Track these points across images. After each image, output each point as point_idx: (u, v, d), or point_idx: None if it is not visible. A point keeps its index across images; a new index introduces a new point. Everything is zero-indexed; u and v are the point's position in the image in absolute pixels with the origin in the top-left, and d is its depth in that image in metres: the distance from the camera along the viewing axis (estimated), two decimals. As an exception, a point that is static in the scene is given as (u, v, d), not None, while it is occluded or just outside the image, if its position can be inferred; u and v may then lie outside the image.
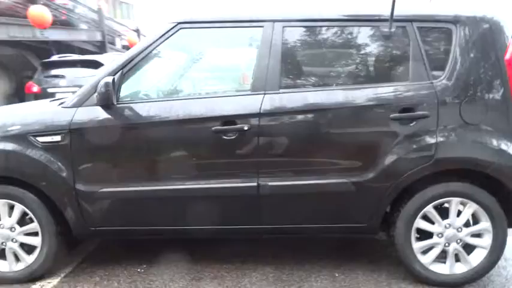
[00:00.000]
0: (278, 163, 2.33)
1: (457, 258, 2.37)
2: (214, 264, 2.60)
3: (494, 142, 2.28)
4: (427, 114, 2.26)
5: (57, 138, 2.33)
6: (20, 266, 2.46)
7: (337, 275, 2.51)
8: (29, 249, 2.45)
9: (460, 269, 2.37)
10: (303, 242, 2.74)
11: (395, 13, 2.31)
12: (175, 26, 2.42)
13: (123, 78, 2.37)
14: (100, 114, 2.32)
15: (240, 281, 2.44)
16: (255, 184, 2.31)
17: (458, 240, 2.34)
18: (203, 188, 2.34)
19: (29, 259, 2.44)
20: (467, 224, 2.35)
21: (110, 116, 2.31)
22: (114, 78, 2.26)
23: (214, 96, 2.43)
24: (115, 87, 2.27)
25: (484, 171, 2.27)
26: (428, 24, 2.37)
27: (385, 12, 2.30)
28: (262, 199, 2.34)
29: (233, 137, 2.28)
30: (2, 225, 2.42)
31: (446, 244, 2.35)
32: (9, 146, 2.35)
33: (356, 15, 2.40)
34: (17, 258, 2.46)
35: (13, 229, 2.42)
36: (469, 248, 2.37)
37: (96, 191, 2.35)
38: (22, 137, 2.35)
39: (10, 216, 2.42)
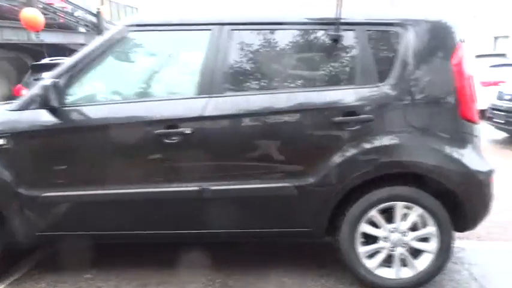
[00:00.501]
0: (220, 167, 2.32)
1: (404, 263, 2.34)
2: (161, 270, 2.59)
3: (440, 147, 2.25)
4: (371, 117, 2.24)
5: (1, 141, 2.34)
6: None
7: (285, 279, 2.49)
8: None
9: (406, 273, 2.34)
10: (254, 246, 2.72)
11: (344, 17, 2.30)
12: (124, 29, 2.42)
13: (70, 81, 2.37)
14: (44, 117, 2.32)
15: (186, 286, 2.42)
16: (197, 188, 2.30)
17: (404, 245, 2.31)
18: (146, 192, 2.33)
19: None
20: (414, 229, 2.32)
21: (53, 119, 2.31)
22: (55, 82, 2.27)
23: (159, 99, 2.42)
24: (58, 90, 2.28)
25: (429, 176, 2.24)
26: (377, 27, 2.35)
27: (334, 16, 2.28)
28: (205, 203, 2.32)
29: (176, 141, 2.27)
30: None
31: (392, 249, 2.32)
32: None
33: (304, 19, 2.38)
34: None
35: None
36: (417, 253, 2.34)
37: (39, 196, 2.35)
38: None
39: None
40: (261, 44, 2.39)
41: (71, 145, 2.36)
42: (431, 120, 2.27)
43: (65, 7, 13.05)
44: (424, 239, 2.33)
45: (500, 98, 7.09)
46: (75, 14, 14.27)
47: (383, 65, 2.31)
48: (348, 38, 2.32)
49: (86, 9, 14.78)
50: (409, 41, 2.30)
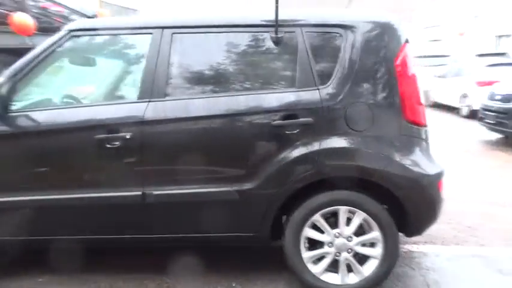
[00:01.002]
0: (162, 171, 2.30)
1: (350, 268, 2.31)
2: (111, 275, 2.57)
3: (381, 150, 2.21)
4: (310, 121, 2.21)
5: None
6: None
7: (234, 284, 2.47)
8: None
9: (352, 279, 2.30)
10: (207, 250, 2.69)
11: (285, 18, 2.27)
12: (67, 33, 2.41)
13: (14, 87, 2.36)
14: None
15: (119, 280, 2.44)
16: (140, 193, 2.28)
17: (349, 250, 2.28)
18: (89, 197, 2.31)
19: None
20: (360, 234, 2.28)
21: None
22: (-3, 88, 2.27)
23: (100, 104, 2.41)
24: (1, 97, 2.27)
25: (369, 179, 2.21)
26: (318, 29, 2.31)
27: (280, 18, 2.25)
28: (149, 208, 2.31)
29: (117, 145, 2.26)
30: None
31: (337, 254, 2.28)
32: None
33: (244, 22, 2.36)
34: None
35: None
36: (364, 258, 2.31)
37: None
38: None
39: None
40: (201, 48, 2.37)
41: (15, 151, 2.35)
42: (373, 123, 2.22)
43: (60, 11, 13.10)
44: (371, 244, 2.29)
45: (491, 98, 6.99)
46: (72, 17, 14.34)
47: (324, 67, 2.28)
48: (288, 40, 2.29)
49: (82, 13, 14.82)
50: (351, 43, 2.26)
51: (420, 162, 2.26)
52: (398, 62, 2.26)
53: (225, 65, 2.37)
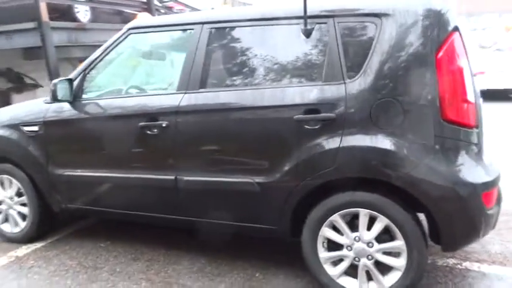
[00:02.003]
0: (192, 159, 2.45)
1: (371, 276, 2.15)
2: (155, 248, 2.85)
3: (409, 150, 1.99)
4: (332, 116, 2.10)
5: (36, 128, 2.87)
6: (15, 229, 3.09)
7: (257, 275, 2.51)
8: (23, 217, 3.06)
9: (371, 288, 2.15)
10: (240, 238, 2.75)
11: (317, 9, 2.21)
12: (127, 31, 2.72)
13: (84, 79, 2.77)
14: (64, 109, 2.77)
15: (168, 264, 2.65)
16: (173, 177, 2.48)
17: (370, 256, 2.13)
18: (134, 177, 2.60)
19: (22, 224, 3.06)
20: (382, 240, 2.11)
21: (69, 111, 2.75)
22: (71, 79, 2.69)
23: (146, 94, 2.66)
24: (71, 87, 2.70)
25: (394, 184, 2.01)
26: (351, 19, 2.18)
27: (309, 9, 2.18)
28: (179, 192, 2.49)
29: (156, 133, 2.48)
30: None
31: (356, 259, 2.15)
32: (6, 133, 2.98)
33: (275, 14, 2.34)
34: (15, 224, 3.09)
35: (12, 199, 3.07)
36: (387, 268, 2.13)
37: (62, 174, 2.83)
38: (15, 126, 2.96)
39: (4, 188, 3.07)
40: (233, 41, 2.43)
41: (80, 134, 2.76)
42: (404, 122, 2.01)
43: (183, 9, 14.38)
44: (396, 254, 2.10)
45: None
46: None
47: (355, 60, 2.14)
48: (319, 32, 2.20)
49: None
50: (385, 33, 2.07)
51: (458, 169, 1.98)
52: (440, 54, 2.00)
53: (254, 58, 2.40)
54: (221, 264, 2.63)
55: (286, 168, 2.20)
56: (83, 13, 8.92)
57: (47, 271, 2.63)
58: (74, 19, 8.66)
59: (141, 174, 2.58)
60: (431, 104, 1.99)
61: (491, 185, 2.02)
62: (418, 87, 2.01)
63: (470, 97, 2.02)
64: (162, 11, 12.00)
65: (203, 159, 2.43)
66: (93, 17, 8.96)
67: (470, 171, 1.99)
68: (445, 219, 1.99)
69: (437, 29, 2.02)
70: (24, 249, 2.96)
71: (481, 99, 2.19)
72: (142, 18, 2.74)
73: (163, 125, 2.44)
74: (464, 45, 2.07)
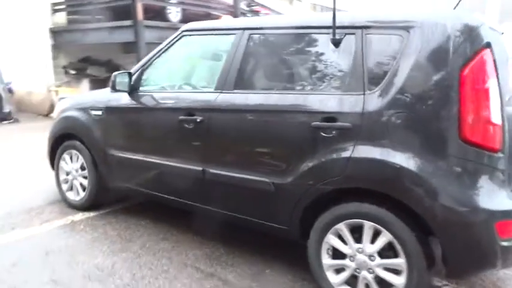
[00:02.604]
0: (219, 154, 2.64)
1: (371, 290, 2.14)
2: (184, 232, 3.10)
3: (419, 167, 1.95)
4: (348, 126, 2.14)
5: (99, 112, 3.30)
6: (76, 198, 3.57)
7: (267, 271, 2.61)
8: (83, 188, 3.52)
9: (369, 302, 2.13)
10: (270, 239, 2.85)
11: (347, 20, 2.26)
12: (181, 33, 3.01)
13: (142, 73, 3.12)
14: (122, 98, 3.15)
15: (191, 248, 2.87)
16: (201, 169, 2.69)
17: (370, 270, 2.12)
18: (168, 165, 2.86)
19: (82, 194, 3.52)
20: (385, 256, 2.09)
21: (125, 100, 3.11)
22: (130, 72, 3.06)
23: (189, 91, 2.91)
24: (130, 79, 3.05)
25: (401, 200, 1.99)
26: (378, 31, 2.19)
27: (339, 20, 2.24)
28: (206, 183, 2.69)
29: (191, 127, 2.72)
30: None
31: (357, 270, 2.16)
32: (77, 114, 3.45)
33: (307, 24, 2.43)
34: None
35: (77, 171, 3.55)
36: (388, 285, 2.10)
37: (114, 155, 3.21)
38: (85, 110, 3.42)
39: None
40: (267, 47, 2.57)
41: (130, 121, 3.11)
42: (418, 137, 1.98)
43: (268, 13, 14.77)
44: (397, 271, 2.07)
45: None
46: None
47: (377, 72, 2.14)
48: (347, 42, 2.24)
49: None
50: (410, 46, 2.05)
51: (471, 193, 1.89)
52: (466, 71, 1.93)
53: (284, 64, 2.52)
54: (237, 256, 2.78)
55: (300, 172, 2.28)
56: (174, 14, 9.71)
57: (91, 236, 3.02)
58: (166, 19, 9.48)
59: (176, 163, 2.83)
60: (450, 122, 1.93)
61: (509, 214, 1.89)
62: (438, 104, 1.96)
63: (495, 119, 1.92)
64: (249, 14, 12.51)
65: (228, 155, 2.61)
66: (183, 18, 9.68)
67: (485, 198, 1.89)
68: (450, 244, 1.92)
69: (465, 45, 1.96)
70: (79, 215, 3.41)
71: None
72: (199, 22, 2.99)
73: (198, 120, 2.66)
74: (495, 64, 1.96)
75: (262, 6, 13.05)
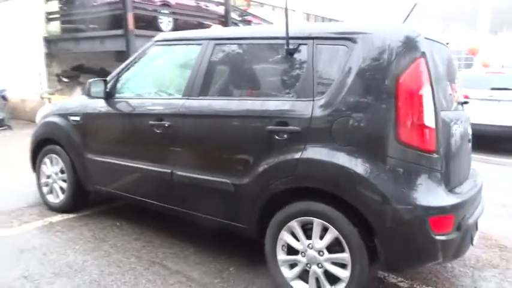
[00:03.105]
0: (184, 156, 2.79)
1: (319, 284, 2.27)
2: (158, 232, 3.25)
3: (358, 167, 2.10)
4: (297, 129, 2.29)
5: (78, 118, 3.45)
6: (56, 200, 3.70)
7: (231, 269, 2.74)
8: (62, 191, 3.66)
9: (320, 295, 2.27)
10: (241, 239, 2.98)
11: (300, 31, 2.43)
12: (153, 43, 3.18)
13: (117, 81, 3.28)
14: (99, 104, 3.30)
15: (162, 247, 3.01)
16: (169, 171, 2.84)
17: (320, 265, 2.25)
18: (140, 167, 3.01)
19: (61, 197, 3.66)
20: (334, 251, 2.23)
21: (102, 106, 3.27)
22: (105, 80, 3.22)
23: (158, 98, 3.07)
24: (105, 86, 3.21)
25: (343, 198, 2.13)
26: (327, 41, 2.36)
27: (293, 31, 2.41)
28: (174, 185, 2.83)
29: (160, 131, 2.87)
30: None
31: (308, 265, 2.29)
32: (57, 120, 3.60)
33: (265, 35, 2.61)
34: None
35: (57, 174, 3.69)
36: (337, 279, 2.24)
37: (92, 159, 3.36)
38: (65, 116, 3.57)
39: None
40: (228, 56, 2.74)
41: (105, 126, 3.27)
42: (359, 140, 2.13)
43: (260, 23, 14.98)
44: (343, 265, 2.20)
45: None
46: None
47: (325, 79, 2.30)
48: (299, 52, 2.40)
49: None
50: (353, 55, 2.21)
51: (405, 191, 2.04)
52: (402, 79, 2.09)
53: (243, 72, 2.69)
54: (205, 255, 2.91)
55: (256, 173, 2.42)
56: (166, 23, 9.91)
57: (66, 236, 3.15)
58: (158, 28, 9.68)
59: (147, 166, 2.98)
60: (388, 126, 2.08)
61: (441, 210, 2.03)
62: (378, 110, 2.12)
63: (429, 123, 2.07)
64: (240, 24, 12.71)
65: (192, 157, 2.76)
66: (175, 27, 9.89)
67: (420, 195, 2.03)
68: (388, 239, 2.06)
69: (402, 55, 2.12)
70: (58, 217, 3.55)
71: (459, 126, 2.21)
72: (170, 33, 3.15)
73: (166, 125, 2.82)
74: (429, 72, 2.12)
75: (254, 16, 13.25)
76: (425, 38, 2.21)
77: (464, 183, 2.48)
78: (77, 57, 10.33)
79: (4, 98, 10.10)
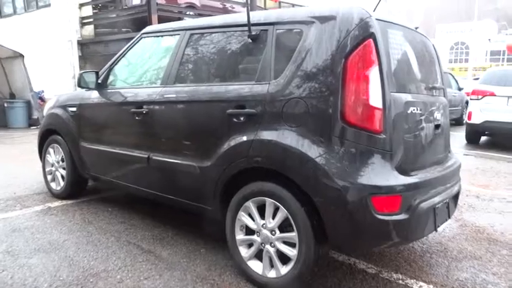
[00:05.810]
0: (159, 141, 2.90)
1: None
2: (143, 217, 3.38)
3: (304, 148, 2.12)
4: (253, 112, 2.34)
5: (75, 109, 3.68)
6: (57, 187, 3.95)
7: (202, 250, 2.82)
8: (63, 178, 3.90)
9: (271, 273, 2.29)
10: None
11: (261, 17, 2.48)
12: (140, 35, 3.34)
13: (109, 72, 3.47)
14: (92, 95, 3.50)
15: (142, 230, 3.14)
16: (146, 156, 2.96)
17: (272, 244, 2.28)
18: (125, 153, 3.16)
19: (61, 184, 3.90)
20: (285, 230, 2.25)
21: (94, 97, 3.47)
22: (97, 72, 3.42)
23: (140, 87, 3.21)
24: (97, 78, 3.41)
25: (292, 178, 2.15)
26: (285, 26, 2.39)
27: (257, 18, 2.48)
28: (150, 168, 2.96)
29: (140, 118, 3.01)
30: None
31: (262, 244, 2.33)
32: (59, 111, 3.86)
33: (230, 23, 2.67)
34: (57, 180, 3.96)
35: (58, 163, 3.94)
36: (288, 258, 2.26)
37: (85, 146, 3.56)
38: (65, 107, 3.81)
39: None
40: (199, 45, 2.82)
41: (97, 115, 3.46)
42: (308, 121, 2.14)
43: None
44: (293, 244, 2.22)
45: None
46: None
47: (282, 63, 2.32)
48: (260, 37, 2.45)
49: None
50: (307, 39, 2.23)
51: (349, 170, 2.02)
52: (350, 59, 2.08)
53: (212, 59, 2.75)
54: (181, 237, 3.01)
55: (217, 155, 2.49)
56: (189, 25, 10.21)
57: (58, 219, 3.37)
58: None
59: (129, 151, 3.13)
60: (334, 106, 2.08)
61: (385, 190, 2.00)
62: (325, 91, 2.12)
63: (376, 103, 2.05)
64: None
65: (165, 142, 2.87)
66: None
67: (362, 174, 2.01)
68: (330, 217, 2.05)
69: (351, 36, 2.11)
70: (57, 203, 3.79)
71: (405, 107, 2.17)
72: (156, 25, 3.29)
73: (144, 112, 2.95)
74: (378, 53, 2.09)
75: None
76: (378, 19, 2.18)
77: (430, 168, 2.42)
78: (107, 59, 10.84)
79: (42, 99, 10.82)
